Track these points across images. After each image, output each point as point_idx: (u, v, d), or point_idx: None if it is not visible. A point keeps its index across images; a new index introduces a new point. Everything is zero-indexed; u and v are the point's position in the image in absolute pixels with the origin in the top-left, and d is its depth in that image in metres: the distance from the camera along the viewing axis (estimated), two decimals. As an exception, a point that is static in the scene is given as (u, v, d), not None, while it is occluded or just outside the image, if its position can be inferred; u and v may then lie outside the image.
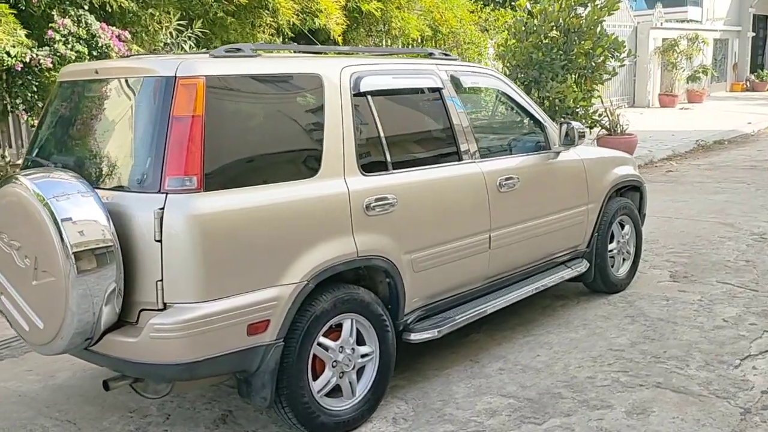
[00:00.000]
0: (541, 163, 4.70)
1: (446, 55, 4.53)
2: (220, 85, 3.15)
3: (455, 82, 4.26)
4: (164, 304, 2.96)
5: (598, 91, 11.39)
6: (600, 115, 11.52)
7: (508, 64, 11.40)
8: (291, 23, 9.32)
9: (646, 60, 21.33)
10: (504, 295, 4.46)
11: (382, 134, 3.73)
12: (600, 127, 11.66)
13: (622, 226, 5.51)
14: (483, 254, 4.24)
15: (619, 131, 11.65)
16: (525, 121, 4.88)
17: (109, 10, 7.76)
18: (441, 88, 4.15)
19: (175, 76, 3.07)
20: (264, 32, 9.18)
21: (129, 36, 7.54)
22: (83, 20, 7.20)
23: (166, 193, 2.95)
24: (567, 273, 4.92)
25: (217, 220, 3.01)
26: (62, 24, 6.97)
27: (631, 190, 5.74)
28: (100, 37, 7.16)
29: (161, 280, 2.95)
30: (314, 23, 9.36)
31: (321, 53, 4.18)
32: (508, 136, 4.95)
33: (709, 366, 4.14)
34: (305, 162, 3.41)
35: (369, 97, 3.73)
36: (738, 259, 6.25)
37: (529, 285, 4.63)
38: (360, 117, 3.67)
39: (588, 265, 5.13)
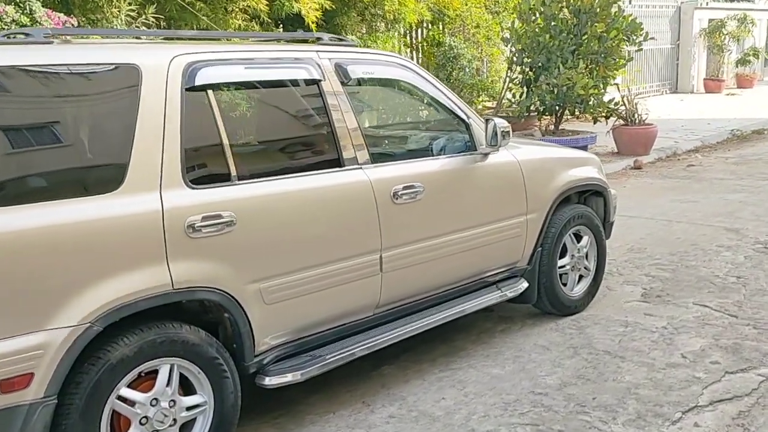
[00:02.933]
0: (460, 167, 3.96)
1: (340, 40, 3.83)
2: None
3: (342, 72, 3.56)
4: None
5: (612, 77, 10.44)
6: (616, 104, 10.57)
7: (512, 49, 10.55)
8: (274, 9, 8.72)
9: (689, 42, 19.99)
10: (404, 325, 3.76)
11: (224, 138, 3.08)
12: (616, 117, 10.71)
13: (578, 238, 4.73)
14: (372, 279, 3.55)
15: (636, 121, 10.67)
16: (443, 118, 4.15)
17: (63, -4, 7.31)
18: (319, 80, 3.46)
19: None
20: (237, 18, 8.60)
21: (75, 23, 7.05)
22: (27, 6, 6.76)
23: None
24: (495, 297, 4.18)
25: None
26: (3, 11, 6.53)
27: (594, 196, 4.95)
28: (41, 24, 6.70)
29: None
30: (292, 7, 8.71)
31: (159, 38, 3.54)
32: (417, 137, 4.22)
33: (641, 420, 3.38)
34: (103, 173, 2.79)
35: (210, 92, 3.08)
36: (729, 274, 5.38)
37: (440, 313, 3.92)
38: (194, 117, 3.02)
39: (526, 285, 4.37)
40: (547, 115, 10.71)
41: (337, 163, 3.46)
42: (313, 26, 8.71)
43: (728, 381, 3.72)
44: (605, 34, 9.99)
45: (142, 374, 2.85)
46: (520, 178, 4.25)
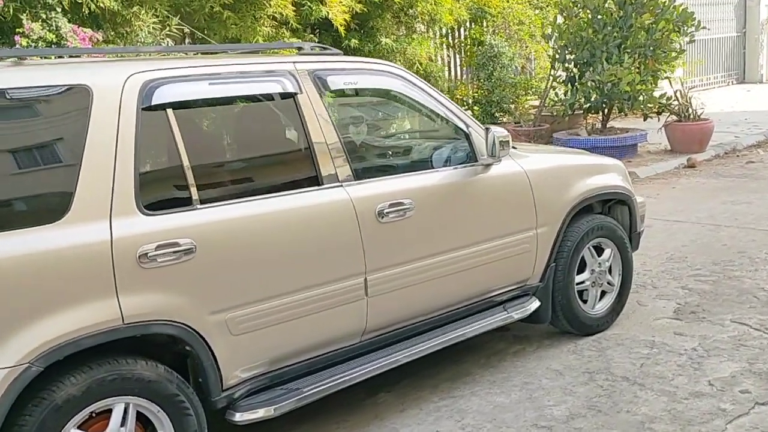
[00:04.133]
0: (458, 180, 3.68)
1: (324, 49, 3.61)
2: None
3: (321, 84, 3.34)
4: None
5: (664, 71, 9.89)
6: (668, 99, 10.01)
7: (554, 45, 10.12)
8: (302, 14, 8.58)
9: (756, 30, 18.97)
10: (396, 352, 3.51)
11: (185, 159, 2.89)
12: (669, 113, 10.14)
13: (599, 252, 4.37)
14: (356, 304, 3.32)
15: (691, 116, 10.07)
16: (440, 129, 3.88)
17: (89, 12, 7.32)
18: (296, 94, 3.24)
19: None
20: (265, 25, 8.47)
21: (101, 38, 7.05)
22: (53, 23, 6.79)
23: None
24: (500, 319, 3.87)
25: None
26: (29, 29, 6.56)
27: (618, 205, 4.58)
28: (67, 41, 6.72)
29: None
30: (320, 12, 8.54)
31: (118, 55, 3.37)
32: (410, 150, 3.95)
33: (651, 461, 3.04)
34: (47, 202, 2.64)
35: (169, 111, 2.90)
36: (776, 286, 4.93)
37: (437, 338, 3.64)
38: (151, 138, 2.85)
39: (538, 304, 4.05)
40: (593, 113, 10.24)
41: (314, 181, 3.23)
42: (342, 30, 8.52)
43: (757, 414, 3.33)
44: (654, 26, 9.47)
45: (95, 414, 2.68)
46: (528, 190, 3.94)
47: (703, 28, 10.08)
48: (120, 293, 2.66)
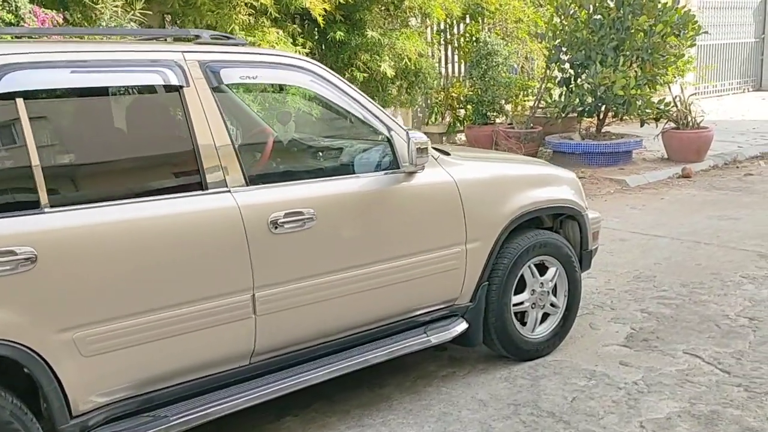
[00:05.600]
0: (371, 189, 3.33)
1: (227, 38, 3.27)
2: None
3: (213, 76, 3.00)
4: None
5: (663, 76, 9.43)
6: (667, 105, 9.55)
7: (548, 45, 9.71)
8: (282, 3, 8.23)
9: (775, 36, 18.37)
10: (292, 376, 3.17)
11: (34, 157, 2.56)
12: (667, 120, 9.69)
13: (542, 270, 4.00)
14: (241, 322, 2.98)
15: (690, 124, 9.61)
16: (358, 132, 3.52)
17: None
18: (181, 86, 2.91)
19: None
20: (241, 13, 8.14)
21: (61, 21, 6.76)
22: (12, 2, 6.51)
23: None
24: (417, 343, 3.51)
25: None
26: (-13, 8, 6.30)
27: (569, 220, 4.21)
28: (24, 21, 6.44)
29: None
30: (301, 2, 8.19)
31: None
32: (319, 153, 3.60)
33: None
34: None
35: (19, 101, 2.57)
36: (742, 314, 4.51)
37: (342, 361, 3.29)
38: (-6, 133, 2.53)
39: (465, 326, 3.69)
40: (587, 117, 9.82)
41: (197, 186, 2.90)
42: (320, 21, 8.18)
43: (685, 466, 2.96)
44: (652, 28, 9.02)
45: None
46: (457, 201, 3.57)
47: (705, 32, 9.62)
48: (-63, 308, 2.35)
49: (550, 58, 9.71)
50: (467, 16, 11.16)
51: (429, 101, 11.26)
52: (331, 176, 3.30)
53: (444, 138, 11.19)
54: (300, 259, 3.10)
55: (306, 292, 3.13)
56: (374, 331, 3.46)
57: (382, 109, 3.47)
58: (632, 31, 9.03)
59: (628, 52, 9.10)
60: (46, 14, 6.65)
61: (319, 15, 8.08)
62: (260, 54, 3.29)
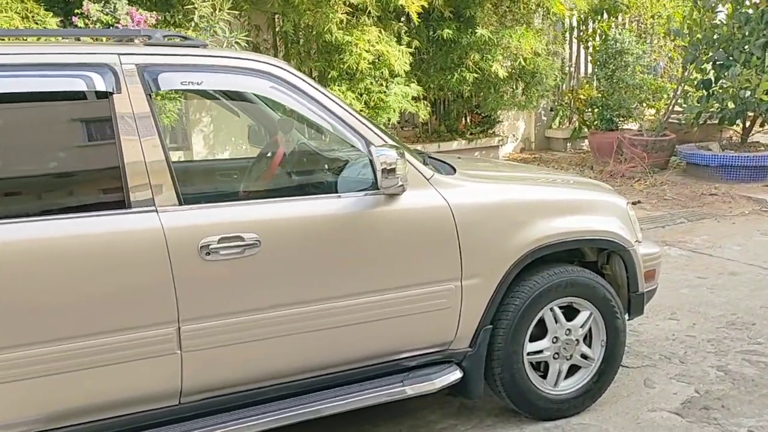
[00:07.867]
0: (338, 212, 2.84)
1: (183, 38, 2.94)
2: None
3: (150, 82, 2.68)
4: None
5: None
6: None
7: (684, 43, 8.61)
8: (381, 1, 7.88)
9: None
10: (234, 420, 2.78)
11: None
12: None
13: (571, 315, 3.33)
14: (163, 359, 2.64)
15: None
16: (331, 147, 3.06)
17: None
18: (110, 92, 2.61)
19: None
20: (340, 12, 7.86)
21: (154, 21, 6.83)
22: (112, 4, 6.70)
23: None
24: (387, 393, 2.98)
25: None
26: (87, 9, 6.51)
27: (614, 255, 3.50)
28: (119, 21, 6.59)
29: None
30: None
31: None
32: (279, 170, 3.14)
33: None
34: None
35: None
36: None
37: (292, 409, 2.85)
38: None
39: (459, 375, 3.13)
40: (728, 125, 8.62)
41: (118, 204, 2.59)
42: (415, 18, 7.73)
43: None
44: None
45: None
46: (451, 229, 3.02)
47: None
48: None
49: (686, 58, 8.61)
50: (603, 11, 10.23)
51: (554, 103, 10.46)
52: (285, 197, 2.88)
53: (568, 144, 10.35)
54: (237, 290, 2.71)
55: (244, 327, 2.73)
56: (343, 374, 3.00)
57: (366, 121, 2.98)
58: (786, 26, 7.79)
59: (779, 52, 7.86)
60: (141, 15, 6.75)
61: (415, 13, 7.63)
62: (213, 57, 2.90)
